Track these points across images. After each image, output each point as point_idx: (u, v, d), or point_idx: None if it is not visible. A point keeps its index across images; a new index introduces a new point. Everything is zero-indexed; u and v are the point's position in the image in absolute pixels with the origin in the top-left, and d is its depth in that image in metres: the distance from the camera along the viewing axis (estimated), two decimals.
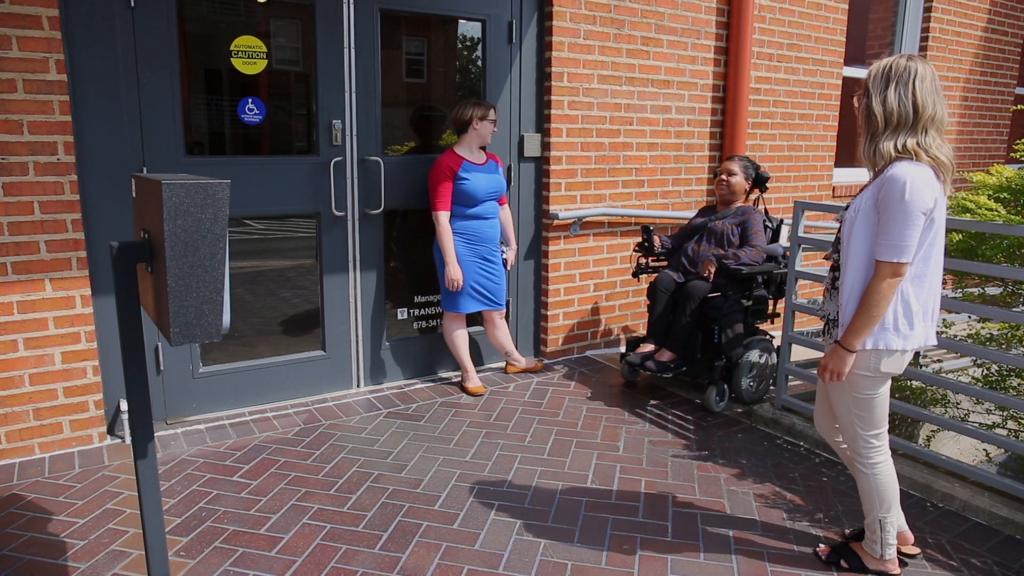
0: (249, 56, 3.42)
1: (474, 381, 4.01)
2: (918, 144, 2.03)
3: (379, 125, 3.81)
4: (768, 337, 4.06)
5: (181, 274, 1.59)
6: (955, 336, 3.78)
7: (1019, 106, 4.06)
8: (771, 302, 4.03)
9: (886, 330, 2.12)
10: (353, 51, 3.67)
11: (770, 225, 4.01)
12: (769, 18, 4.98)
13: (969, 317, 3.88)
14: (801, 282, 3.91)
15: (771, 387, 3.99)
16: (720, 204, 4.07)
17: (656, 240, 4.08)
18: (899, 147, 2.03)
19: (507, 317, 4.42)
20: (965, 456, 4.44)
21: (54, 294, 3.07)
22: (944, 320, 4.30)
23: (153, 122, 3.24)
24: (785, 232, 3.95)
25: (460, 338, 4.00)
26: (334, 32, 3.61)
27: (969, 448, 4.64)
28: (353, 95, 3.71)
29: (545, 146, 4.31)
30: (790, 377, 3.68)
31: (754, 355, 3.89)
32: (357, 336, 3.96)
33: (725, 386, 3.82)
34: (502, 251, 4.03)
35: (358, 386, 4.03)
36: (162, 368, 3.46)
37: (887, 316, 2.11)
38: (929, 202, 1.99)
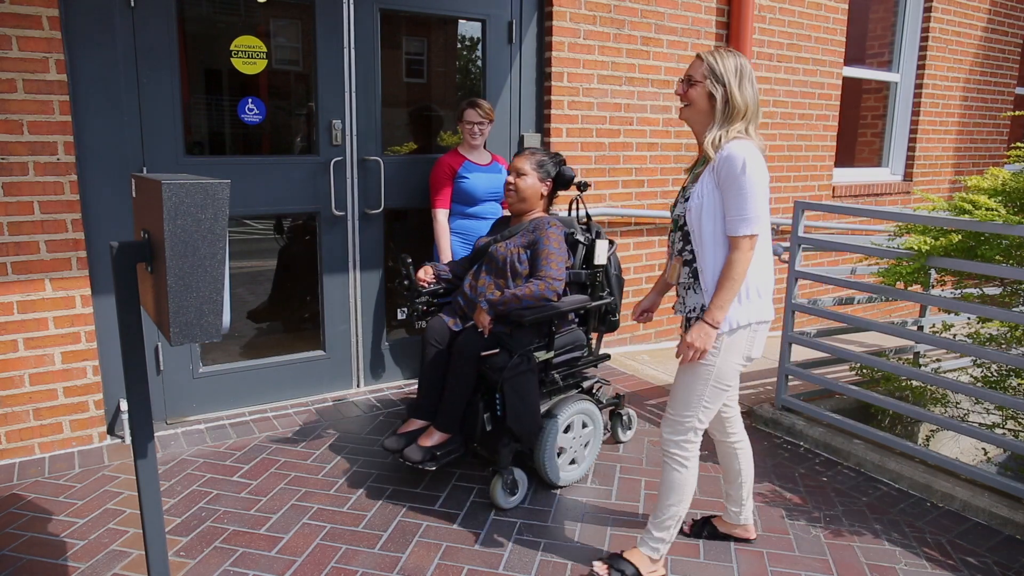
0: (249, 56, 3.42)
1: None
2: (754, 132, 2.17)
3: (379, 125, 3.81)
4: (591, 390, 3.18)
5: (181, 274, 1.59)
6: (955, 336, 3.78)
7: (1016, 112, 4.04)
8: (594, 339, 3.16)
9: (746, 303, 2.16)
10: (353, 51, 3.67)
11: (583, 240, 3.02)
12: (769, 18, 4.98)
13: (968, 317, 3.88)
14: (801, 282, 3.85)
15: (617, 439, 3.34)
16: (513, 217, 3.11)
17: (426, 272, 3.11)
18: (745, 132, 2.15)
19: None
20: (965, 456, 4.44)
21: (54, 294, 3.07)
22: (944, 321, 4.30)
23: (153, 122, 3.24)
24: (604, 248, 2.99)
25: None
26: (334, 32, 3.61)
27: (969, 448, 4.64)
28: (353, 95, 3.71)
29: (545, 146, 4.30)
30: (790, 377, 3.68)
31: (564, 423, 2.87)
32: (357, 336, 3.96)
33: (517, 474, 2.80)
34: None
35: (358, 386, 4.03)
36: (162, 368, 3.46)
37: (743, 291, 2.15)
38: (766, 175, 2.10)
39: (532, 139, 4.27)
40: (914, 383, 3.96)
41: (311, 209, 3.70)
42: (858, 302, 3.99)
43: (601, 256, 2.98)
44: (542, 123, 4.30)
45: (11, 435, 3.08)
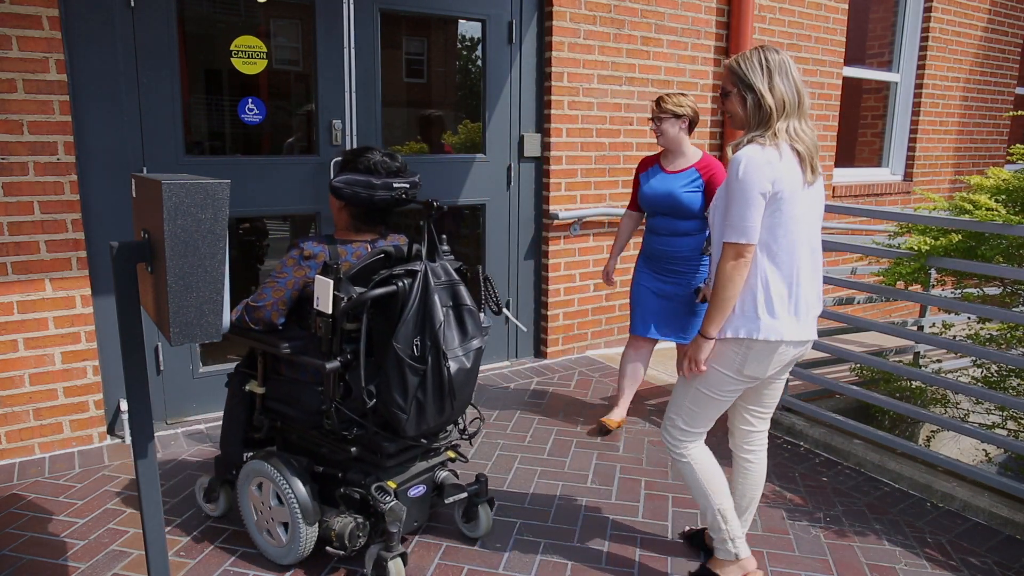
0: (249, 56, 3.42)
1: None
2: (800, 128, 2.02)
3: (379, 125, 3.81)
4: (353, 484, 2.28)
5: (181, 274, 1.59)
6: (955, 336, 3.78)
7: (1016, 112, 4.04)
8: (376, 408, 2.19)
9: (743, 317, 2.04)
10: (353, 51, 3.67)
11: (329, 275, 2.12)
12: (769, 18, 4.98)
13: (969, 317, 3.88)
14: None
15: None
16: None
17: None
18: (790, 130, 2.01)
19: (510, 325, 4.40)
20: (965, 456, 4.44)
21: (54, 294, 3.07)
22: (944, 321, 4.30)
23: (153, 122, 3.24)
24: (325, 288, 2.10)
25: (623, 365, 3.54)
26: (334, 32, 3.61)
27: (969, 448, 4.64)
28: (353, 95, 3.70)
29: (545, 146, 4.31)
30: (790, 377, 3.68)
31: (248, 476, 2.38)
32: None
33: (213, 482, 2.60)
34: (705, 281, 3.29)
35: None
36: (162, 368, 3.46)
37: (745, 303, 2.04)
38: (765, 183, 1.96)
39: (532, 139, 4.27)
40: (914, 383, 3.96)
41: (311, 210, 3.70)
42: (858, 302, 4.00)
43: (322, 298, 2.12)
44: (542, 123, 4.30)
45: (11, 435, 3.08)
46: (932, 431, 4.48)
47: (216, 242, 1.61)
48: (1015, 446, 2.92)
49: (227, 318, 1.71)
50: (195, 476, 3.00)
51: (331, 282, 2.09)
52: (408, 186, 2.35)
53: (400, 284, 2.13)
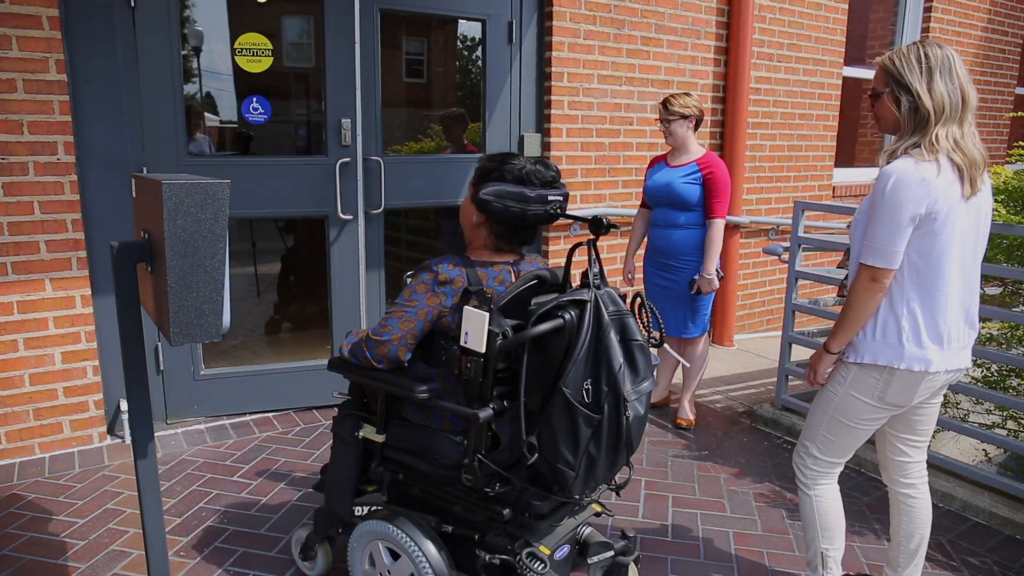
0: (254, 54, 3.40)
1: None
2: (963, 137, 1.81)
3: (379, 125, 3.80)
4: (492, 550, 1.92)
5: (181, 274, 1.59)
6: None
7: (1016, 112, 4.05)
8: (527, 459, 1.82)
9: (885, 344, 1.90)
10: (358, 48, 3.66)
11: (474, 304, 1.80)
12: (769, 18, 4.98)
13: None
14: (801, 282, 3.84)
15: None
16: None
17: None
18: (949, 139, 1.80)
19: None
20: (965, 456, 4.44)
21: (54, 294, 3.07)
22: None
23: (154, 122, 3.24)
24: (478, 321, 1.77)
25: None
26: (343, 30, 3.59)
27: (969, 448, 4.64)
28: (358, 94, 3.69)
29: (545, 146, 4.30)
30: (790, 377, 3.68)
31: (362, 536, 2.10)
32: None
33: (310, 538, 2.31)
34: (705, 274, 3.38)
35: None
36: (162, 368, 3.45)
37: (888, 329, 1.89)
38: (918, 206, 1.77)
39: (532, 139, 4.27)
40: None
41: (318, 212, 3.67)
42: None
43: (473, 334, 1.79)
44: (542, 123, 4.30)
45: (11, 435, 3.08)
46: (932, 431, 4.47)
47: (216, 242, 1.61)
48: (1015, 446, 2.92)
49: (227, 318, 1.71)
50: (196, 476, 3.00)
51: (486, 315, 1.75)
52: (561, 199, 2.07)
53: (567, 317, 1.80)
